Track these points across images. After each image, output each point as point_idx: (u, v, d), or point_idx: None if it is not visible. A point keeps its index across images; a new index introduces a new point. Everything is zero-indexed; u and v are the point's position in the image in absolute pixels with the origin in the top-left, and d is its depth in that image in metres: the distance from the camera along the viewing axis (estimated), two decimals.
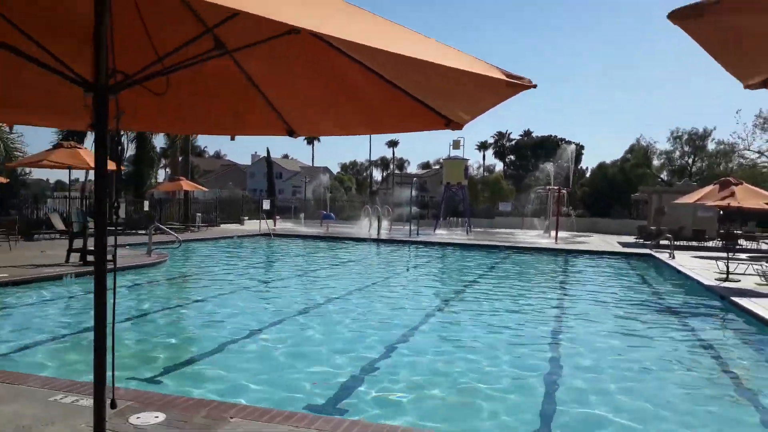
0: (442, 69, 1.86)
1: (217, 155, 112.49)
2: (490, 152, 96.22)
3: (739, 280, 14.25)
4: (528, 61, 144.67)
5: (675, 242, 22.36)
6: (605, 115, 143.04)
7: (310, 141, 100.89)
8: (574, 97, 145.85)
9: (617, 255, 22.66)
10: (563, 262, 20.53)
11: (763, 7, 2.00)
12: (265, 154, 74.16)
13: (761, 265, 15.44)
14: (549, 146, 75.14)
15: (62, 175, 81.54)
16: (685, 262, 19.06)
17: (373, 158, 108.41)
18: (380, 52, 1.77)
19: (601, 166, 61.57)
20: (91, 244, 13.51)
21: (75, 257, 13.54)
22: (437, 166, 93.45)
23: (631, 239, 30.30)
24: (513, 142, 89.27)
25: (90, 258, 13.19)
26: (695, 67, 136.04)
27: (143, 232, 23.52)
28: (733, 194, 14.51)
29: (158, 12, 2.52)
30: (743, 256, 19.76)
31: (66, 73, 2.22)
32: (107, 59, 2.20)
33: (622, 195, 49.36)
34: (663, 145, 57.44)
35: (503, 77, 1.92)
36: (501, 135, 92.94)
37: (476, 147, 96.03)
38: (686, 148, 56.38)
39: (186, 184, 26.88)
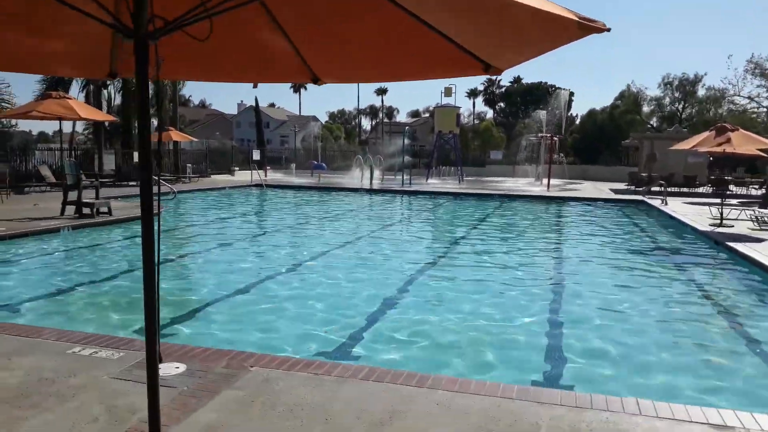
0: (505, 3, 1.75)
1: (203, 104, 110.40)
2: (479, 100, 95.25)
3: (733, 226, 14.43)
4: None
5: (666, 188, 22.52)
6: (596, 61, 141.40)
7: (297, 89, 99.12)
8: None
9: (611, 202, 22.82)
10: (557, 209, 20.67)
11: None
12: (251, 103, 72.86)
13: (753, 210, 15.63)
14: (539, 93, 74.49)
15: (44, 126, 79.92)
16: (678, 208, 19.24)
17: (362, 107, 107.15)
18: None
19: (591, 113, 61.36)
20: (85, 197, 13.34)
21: (70, 210, 13.38)
22: (426, 115, 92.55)
23: (622, 186, 30.48)
24: (503, 89, 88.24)
25: (86, 210, 13.05)
26: (687, 13, 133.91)
27: (133, 183, 23.26)
28: (729, 140, 14.50)
29: None
30: (734, 201, 19.98)
31: (106, 19, 2.10)
32: (148, 4, 2.08)
33: (611, 141, 49.45)
34: (653, 91, 57.19)
35: (574, 17, 1.82)
36: (491, 82, 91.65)
37: (466, 94, 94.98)
38: (677, 94, 56.16)
39: (176, 135, 26.44)
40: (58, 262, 9.89)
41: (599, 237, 14.30)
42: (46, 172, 18.06)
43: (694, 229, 14.33)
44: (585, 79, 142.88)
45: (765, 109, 48.91)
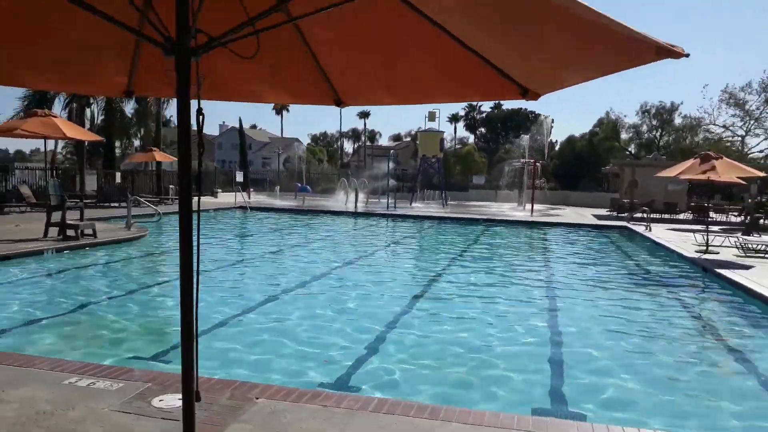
0: (570, 20, 1.68)
1: None
2: (461, 125, 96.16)
3: (718, 252, 14.61)
4: None
5: (649, 215, 22.80)
6: (574, 89, 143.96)
7: (279, 111, 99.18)
8: None
9: (595, 228, 22.99)
10: (542, 235, 20.76)
11: None
12: (233, 124, 72.74)
13: (737, 237, 15.86)
14: (519, 119, 75.49)
15: (21, 145, 78.73)
16: (662, 234, 19.45)
17: (344, 129, 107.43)
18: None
19: (570, 140, 62.25)
20: (68, 218, 13.02)
21: (53, 231, 13.03)
22: (408, 139, 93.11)
23: (604, 212, 30.80)
24: (483, 115, 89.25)
25: (69, 232, 12.73)
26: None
27: (116, 205, 22.88)
28: (714, 168, 14.74)
29: None
30: (715, 228, 20.28)
31: (149, 35, 2.00)
32: (190, 18, 1.99)
33: (591, 168, 50.13)
34: (631, 118, 58.36)
35: (653, 41, 1.76)
36: (471, 107, 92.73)
37: (447, 119, 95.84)
38: (654, 122, 57.35)
39: (159, 155, 26.11)
40: (43, 286, 9.57)
41: (588, 263, 14.34)
42: (26, 191, 17.66)
43: (681, 256, 14.45)
44: (562, 106, 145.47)
45: (739, 138, 50.14)
